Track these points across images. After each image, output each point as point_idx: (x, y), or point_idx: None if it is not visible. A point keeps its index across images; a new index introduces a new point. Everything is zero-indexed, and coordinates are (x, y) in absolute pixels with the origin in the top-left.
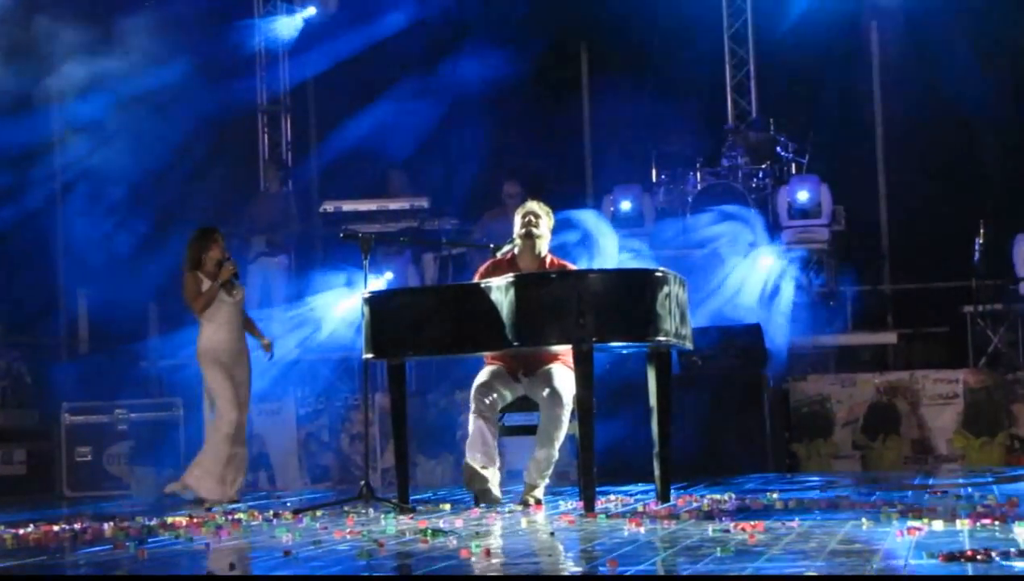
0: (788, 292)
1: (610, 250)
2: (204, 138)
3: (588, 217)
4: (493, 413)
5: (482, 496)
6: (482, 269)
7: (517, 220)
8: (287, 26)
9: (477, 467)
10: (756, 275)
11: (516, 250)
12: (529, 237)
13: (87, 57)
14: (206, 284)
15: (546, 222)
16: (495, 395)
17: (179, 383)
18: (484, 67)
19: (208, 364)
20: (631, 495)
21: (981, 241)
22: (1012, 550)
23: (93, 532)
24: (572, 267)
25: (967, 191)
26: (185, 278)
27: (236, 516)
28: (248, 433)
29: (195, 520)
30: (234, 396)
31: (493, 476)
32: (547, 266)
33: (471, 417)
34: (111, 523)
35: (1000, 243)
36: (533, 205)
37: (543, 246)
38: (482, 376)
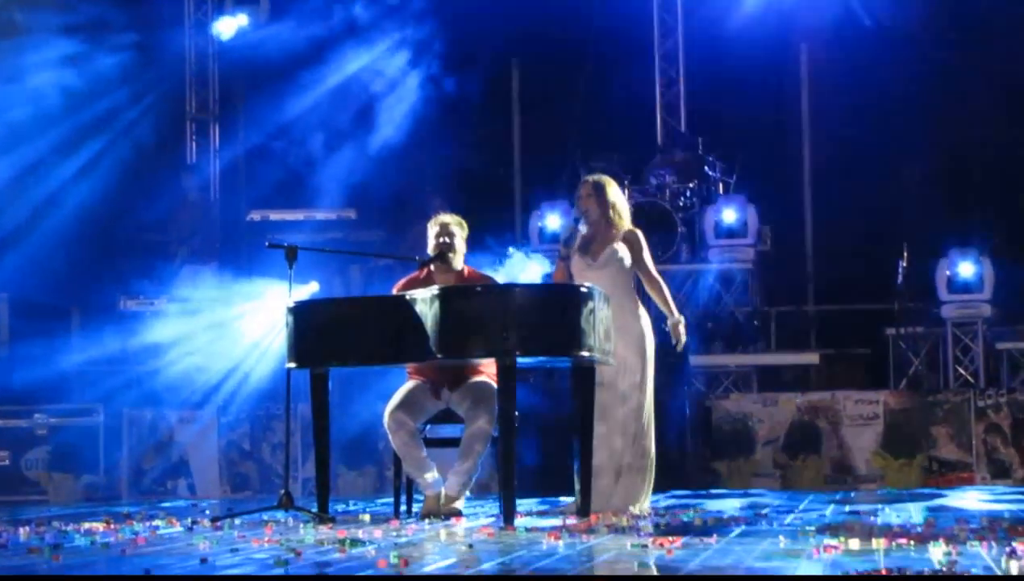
0: None
1: None
2: (132, 142)
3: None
4: (413, 437)
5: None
6: (399, 284)
7: (431, 234)
8: (228, 26)
9: (436, 500)
10: None
11: (433, 265)
12: (444, 256)
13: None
14: None
15: (460, 235)
16: (410, 420)
17: (100, 388)
18: (414, 80)
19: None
20: (552, 508)
21: (904, 264)
22: (926, 570)
23: (8, 536)
24: (492, 279)
25: (891, 214)
26: None
27: (154, 523)
28: (167, 440)
29: (112, 526)
30: None
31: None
32: (465, 279)
33: (392, 441)
34: (27, 528)
35: (923, 266)
36: (446, 218)
37: (459, 260)
38: (397, 398)
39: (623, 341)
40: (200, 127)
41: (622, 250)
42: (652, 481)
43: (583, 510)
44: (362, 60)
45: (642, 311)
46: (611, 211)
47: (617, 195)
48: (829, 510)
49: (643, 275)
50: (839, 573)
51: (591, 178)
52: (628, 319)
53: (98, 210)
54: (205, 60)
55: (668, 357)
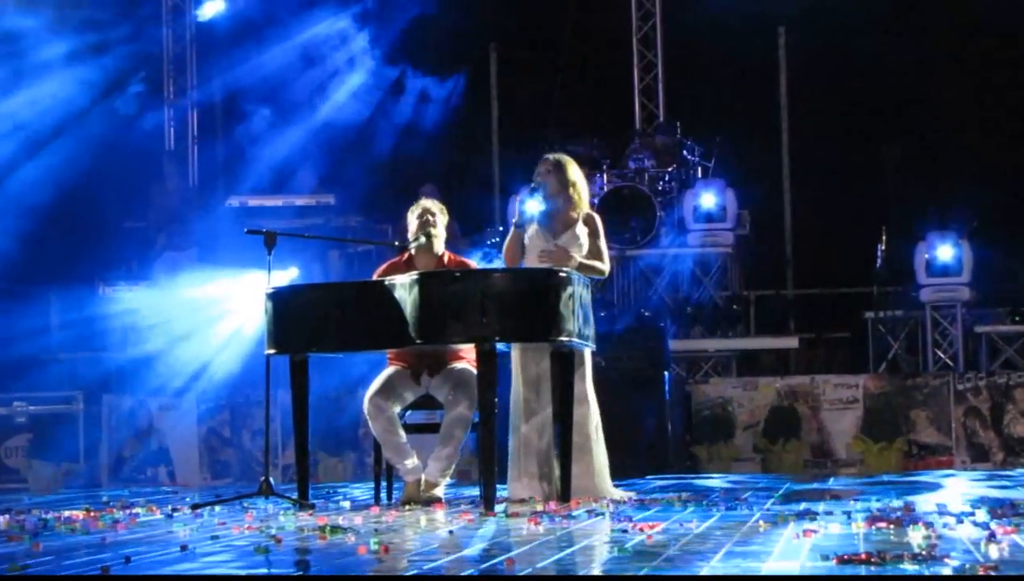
0: None
1: None
2: (111, 128)
3: None
4: (392, 423)
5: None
6: (380, 269)
7: (412, 219)
8: (207, 11)
9: (416, 486)
10: None
11: (413, 249)
12: (427, 237)
13: None
14: None
15: (441, 220)
16: (390, 406)
17: (78, 374)
18: (394, 67)
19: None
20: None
21: (883, 248)
22: (905, 554)
23: None
24: (472, 264)
25: (870, 198)
26: None
27: (134, 510)
28: (147, 427)
29: (92, 514)
30: None
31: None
32: (445, 264)
33: (372, 427)
34: (6, 516)
35: (902, 250)
36: (427, 203)
37: (439, 245)
38: (376, 384)
39: None
40: (178, 113)
41: (583, 235)
42: (603, 464)
43: (563, 495)
44: (342, 45)
45: None
46: (571, 189)
47: (577, 175)
48: (807, 494)
49: (596, 257)
50: (819, 556)
51: (551, 156)
52: None
53: (77, 196)
54: (183, 46)
55: (648, 342)
